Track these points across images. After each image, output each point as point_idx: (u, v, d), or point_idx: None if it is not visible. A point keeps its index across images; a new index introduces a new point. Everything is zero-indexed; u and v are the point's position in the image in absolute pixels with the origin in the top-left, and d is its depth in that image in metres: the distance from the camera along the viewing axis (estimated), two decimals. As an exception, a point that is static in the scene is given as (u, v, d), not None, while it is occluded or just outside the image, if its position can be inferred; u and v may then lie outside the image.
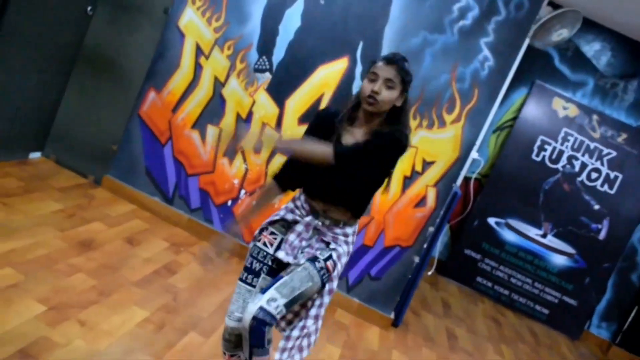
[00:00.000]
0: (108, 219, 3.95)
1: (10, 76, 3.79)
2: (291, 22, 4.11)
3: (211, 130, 4.28)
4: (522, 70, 5.78)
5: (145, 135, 4.36)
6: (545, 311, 6.13)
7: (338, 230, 2.34)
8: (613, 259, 5.99)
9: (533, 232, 6.10)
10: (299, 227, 2.33)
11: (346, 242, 2.38)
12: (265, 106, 4.20)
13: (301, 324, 2.31)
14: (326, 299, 2.34)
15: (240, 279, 2.37)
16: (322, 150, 2.18)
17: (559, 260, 6.09)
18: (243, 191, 4.27)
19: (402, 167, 4.07)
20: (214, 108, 4.26)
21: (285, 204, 2.46)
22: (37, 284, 2.85)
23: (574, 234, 6.04)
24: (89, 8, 4.24)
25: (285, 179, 2.43)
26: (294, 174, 2.41)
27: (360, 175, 2.30)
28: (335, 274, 2.33)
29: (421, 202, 4.11)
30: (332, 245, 2.33)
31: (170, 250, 3.92)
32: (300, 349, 2.28)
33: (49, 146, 4.47)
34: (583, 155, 5.95)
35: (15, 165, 4.12)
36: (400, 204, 4.12)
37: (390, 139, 2.22)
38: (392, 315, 4.25)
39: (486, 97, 3.99)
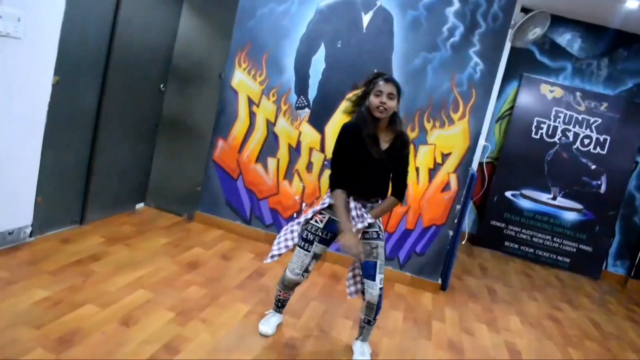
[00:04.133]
0: (204, 244, 4.21)
1: (113, 149, 4.11)
2: (318, 65, 4.34)
3: (271, 161, 4.52)
4: (510, 67, 5.91)
5: (221, 175, 4.64)
6: (567, 260, 6.13)
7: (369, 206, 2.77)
8: (615, 207, 5.97)
9: (544, 197, 6.13)
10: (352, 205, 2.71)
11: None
12: (309, 135, 4.42)
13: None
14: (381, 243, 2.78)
15: (299, 246, 2.81)
16: (393, 203, 2.73)
17: (571, 216, 6.09)
18: (304, 204, 4.50)
19: (426, 162, 4.23)
20: (270, 143, 4.51)
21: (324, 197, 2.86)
22: (164, 298, 3.11)
23: (579, 192, 6.05)
24: (161, 86, 4.57)
25: (344, 186, 2.70)
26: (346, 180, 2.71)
27: (389, 175, 2.77)
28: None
29: (446, 187, 4.25)
30: (370, 220, 2.69)
31: (256, 259, 4.15)
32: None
33: (149, 197, 4.78)
34: (574, 126, 5.98)
35: (127, 215, 4.44)
36: (430, 191, 4.27)
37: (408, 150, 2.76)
38: (440, 281, 4.38)
39: (482, 94, 4.12)
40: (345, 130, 2.69)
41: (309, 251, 2.78)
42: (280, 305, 3.08)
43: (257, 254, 4.24)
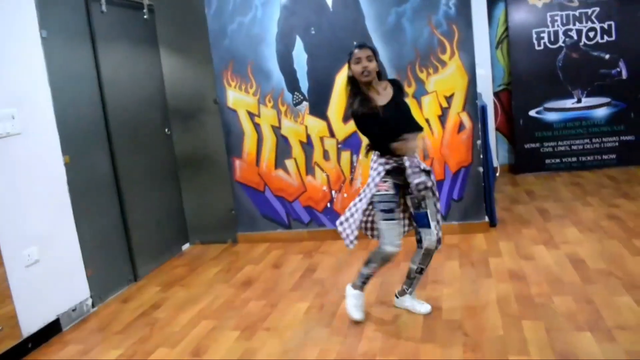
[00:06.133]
0: (254, 260, 4.32)
1: (142, 202, 4.26)
2: (300, 58, 4.39)
3: (289, 163, 4.60)
4: (491, -9, 5.78)
5: (248, 192, 4.74)
6: (613, 156, 5.95)
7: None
8: (643, 88, 5.76)
9: (569, 103, 5.98)
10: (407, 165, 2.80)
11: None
12: (315, 125, 4.47)
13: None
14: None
15: (385, 220, 2.82)
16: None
17: (601, 112, 5.92)
18: (333, 192, 4.55)
19: (432, 110, 4.22)
20: (282, 147, 4.58)
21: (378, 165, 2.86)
22: (227, 321, 3.22)
23: (601, 86, 5.87)
24: (166, 130, 4.71)
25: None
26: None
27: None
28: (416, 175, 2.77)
29: (460, 127, 4.22)
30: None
31: (305, 258, 4.22)
32: None
33: (191, 235, 4.94)
34: (574, 24, 5.81)
35: (176, 259, 4.60)
36: (446, 136, 4.24)
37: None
38: (487, 219, 4.34)
39: (464, 26, 4.08)
40: (356, 115, 2.79)
41: (397, 219, 2.84)
42: (366, 283, 3.06)
43: (305, 254, 4.32)
